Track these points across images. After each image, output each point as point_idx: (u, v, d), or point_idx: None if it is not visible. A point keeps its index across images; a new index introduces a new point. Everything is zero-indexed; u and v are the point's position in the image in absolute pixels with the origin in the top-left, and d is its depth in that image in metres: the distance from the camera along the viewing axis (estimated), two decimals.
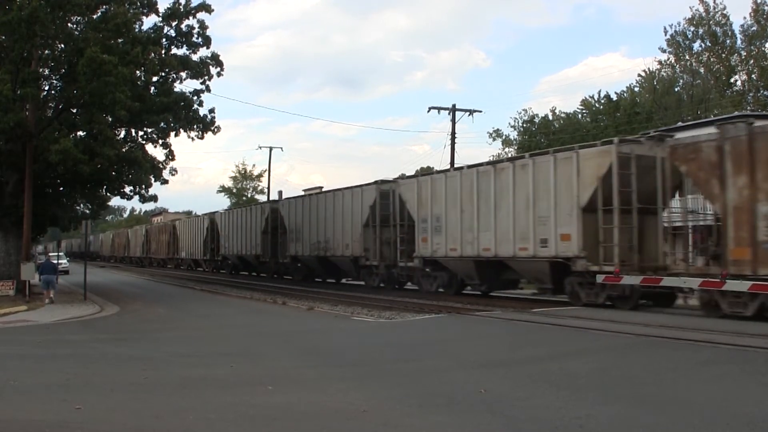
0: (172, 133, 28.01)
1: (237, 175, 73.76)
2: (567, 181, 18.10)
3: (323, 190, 37.48)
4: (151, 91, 26.56)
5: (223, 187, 75.97)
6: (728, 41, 40.46)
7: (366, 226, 27.38)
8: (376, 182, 27.76)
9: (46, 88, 26.97)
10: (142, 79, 26.03)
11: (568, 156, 18.40)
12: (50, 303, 22.23)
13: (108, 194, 30.93)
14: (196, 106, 27.58)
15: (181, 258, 56.61)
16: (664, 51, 42.75)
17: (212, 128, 28.08)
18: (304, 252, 32.68)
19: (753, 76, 39.90)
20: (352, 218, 28.29)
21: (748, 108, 35.26)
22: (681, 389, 8.22)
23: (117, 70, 21.60)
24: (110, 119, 24.77)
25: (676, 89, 42.63)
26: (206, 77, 27.13)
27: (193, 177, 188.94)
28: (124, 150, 26.59)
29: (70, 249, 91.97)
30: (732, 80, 40.68)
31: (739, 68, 40.40)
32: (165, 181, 28.21)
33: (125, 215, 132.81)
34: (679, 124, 19.40)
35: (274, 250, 36.85)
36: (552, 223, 18.45)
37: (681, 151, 15.93)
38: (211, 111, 28.21)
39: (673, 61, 42.69)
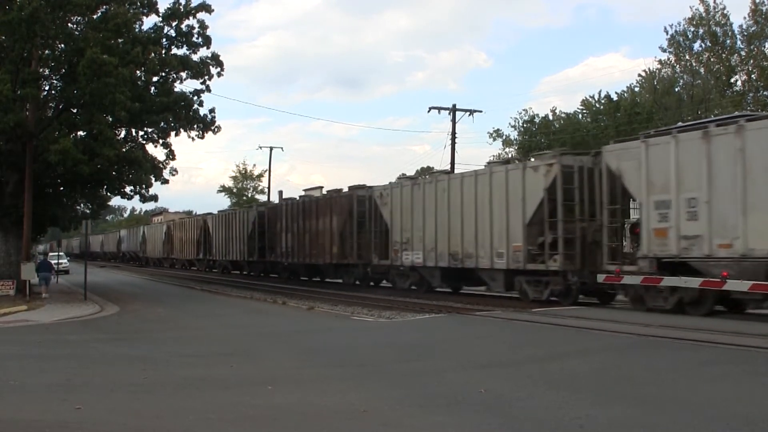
0: (173, 133, 27.98)
1: (237, 175, 73.58)
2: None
3: (323, 189, 37.71)
4: (151, 91, 26.51)
5: (223, 186, 75.71)
6: (728, 41, 40.38)
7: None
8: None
9: (46, 88, 26.96)
10: (142, 79, 25.99)
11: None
12: (46, 297, 22.68)
13: (108, 194, 30.90)
14: (196, 106, 27.52)
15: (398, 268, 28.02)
16: (664, 51, 42.64)
17: (213, 128, 28.05)
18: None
19: (753, 76, 39.82)
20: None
21: (748, 108, 35.20)
22: (681, 389, 8.22)
23: (117, 71, 21.59)
24: (110, 119, 24.72)
25: (676, 89, 42.52)
26: (206, 77, 27.07)
27: (193, 177, 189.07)
28: (124, 150, 26.51)
29: (83, 248, 66.34)
30: (732, 80, 40.60)
31: (739, 68, 40.31)
32: (165, 181, 28.21)
33: (125, 215, 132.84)
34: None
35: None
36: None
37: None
38: (212, 111, 28.19)
39: (673, 61, 42.59)
